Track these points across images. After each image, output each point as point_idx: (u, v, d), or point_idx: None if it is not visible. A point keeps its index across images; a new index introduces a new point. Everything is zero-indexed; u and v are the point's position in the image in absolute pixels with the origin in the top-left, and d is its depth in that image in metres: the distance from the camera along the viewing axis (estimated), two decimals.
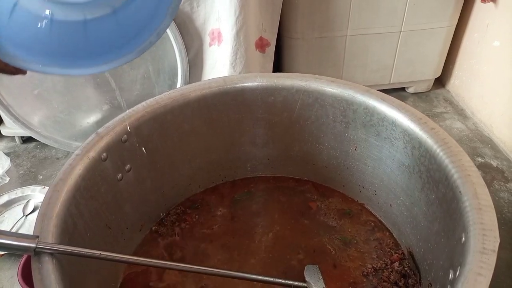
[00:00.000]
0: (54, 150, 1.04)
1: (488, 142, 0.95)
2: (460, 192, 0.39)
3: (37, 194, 0.85)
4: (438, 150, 0.44)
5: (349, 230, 0.62)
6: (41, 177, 0.97)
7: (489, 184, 0.85)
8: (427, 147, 0.46)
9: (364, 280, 0.54)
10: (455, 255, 0.38)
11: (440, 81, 1.12)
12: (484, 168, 0.88)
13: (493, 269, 0.32)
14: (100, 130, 0.51)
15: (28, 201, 0.86)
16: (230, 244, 0.61)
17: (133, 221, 0.58)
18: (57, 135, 1.00)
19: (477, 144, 0.95)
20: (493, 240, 0.34)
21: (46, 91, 0.91)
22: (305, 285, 0.50)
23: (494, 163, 0.90)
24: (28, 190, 0.87)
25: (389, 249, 0.58)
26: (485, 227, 0.35)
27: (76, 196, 0.45)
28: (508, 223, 0.77)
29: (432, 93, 1.10)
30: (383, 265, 0.55)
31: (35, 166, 1.00)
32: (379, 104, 0.52)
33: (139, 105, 0.55)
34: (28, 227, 0.81)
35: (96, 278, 0.49)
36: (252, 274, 0.49)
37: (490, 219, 0.35)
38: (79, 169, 0.46)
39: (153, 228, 0.63)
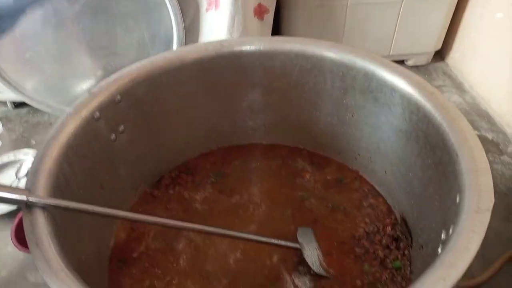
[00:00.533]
0: (47, 115, 1.02)
1: (485, 115, 0.95)
2: (457, 155, 0.39)
3: (30, 158, 0.84)
4: (436, 115, 0.44)
5: (343, 197, 0.62)
6: (34, 142, 0.96)
7: None
8: (425, 111, 0.46)
9: (356, 243, 0.55)
10: (448, 216, 0.38)
11: (440, 54, 1.11)
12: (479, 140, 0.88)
13: (486, 228, 0.32)
14: (93, 89, 0.50)
15: (21, 165, 0.85)
16: (222, 209, 0.61)
17: (127, 183, 0.58)
18: (50, 100, 0.99)
19: (474, 117, 0.95)
20: (488, 201, 0.34)
21: (37, 55, 0.89)
22: (298, 246, 0.51)
23: (490, 136, 0.90)
24: (21, 154, 0.86)
25: (382, 215, 0.58)
26: (481, 188, 0.35)
27: (68, 154, 0.44)
28: (500, 194, 0.78)
29: (431, 66, 1.09)
30: (375, 229, 0.55)
31: (28, 131, 0.99)
32: (379, 69, 0.51)
33: (133, 66, 0.54)
34: None
35: (90, 236, 0.49)
36: (247, 233, 0.50)
37: (486, 181, 0.35)
38: (71, 127, 0.46)
39: (148, 190, 0.63)
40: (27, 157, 0.87)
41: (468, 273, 0.66)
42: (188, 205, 0.62)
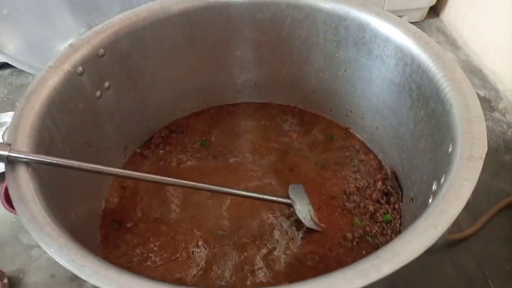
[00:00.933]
0: (31, 76, 0.99)
1: (478, 72, 0.94)
2: (450, 104, 0.38)
3: None
4: (431, 65, 0.43)
5: (333, 154, 0.61)
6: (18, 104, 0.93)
7: None
8: (420, 62, 0.44)
9: (347, 198, 0.55)
10: (440, 167, 0.38)
11: (434, 10, 1.08)
12: None
13: (478, 175, 0.32)
14: (74, 42, 0.48)
15: (6, 128, 0.83)
16: (213, 168, 0.60)
17: (115, 142, 0.57)
18: (33, 60, 0.95)
19: (467, 74, 0.93)
20: (481, 149, 0.33)
21: (16, 10, 0.84)
22: (289, 201, 0.51)
23: (482, 93, 0.89)
24: (6, 117, 0.84)
25: (373, 170, 0.58)
26: (474, 136, 0.34)
27: (51, 109, 0.43)
28: (490, 149, 0.78)
29: (426, 22, 1.06)
30: (366, 185, 0.56)
31: (12, 93, 0.96)
32: (373, 19, 0.49)
33: (116, 18, 0.51)
34: None
35: (80, 196, 0.48)
36: (240, 190, 0.50)
37: (480, 129, 0.35)
38: (53, 82, 0.44)
39: (137, 150, 0.62)
40: None
41: (456, 227, 0.68)
42: (179, 164, 0.61)
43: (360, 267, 0.27)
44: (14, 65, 0.96)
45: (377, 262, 0.27)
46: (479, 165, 0.32)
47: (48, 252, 0.29)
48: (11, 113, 0.88)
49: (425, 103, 0.45)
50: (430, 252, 0.34)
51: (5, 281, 0.61)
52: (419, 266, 0.63)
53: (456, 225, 0.68)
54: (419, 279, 0.62)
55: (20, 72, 1.00)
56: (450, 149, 0.36)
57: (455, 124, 0.37)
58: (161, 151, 0.63)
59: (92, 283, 0.27)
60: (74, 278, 0.65)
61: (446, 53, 0.43)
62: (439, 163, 0.39)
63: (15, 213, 0.70)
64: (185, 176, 0.59)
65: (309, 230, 0.52)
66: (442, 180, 0.34)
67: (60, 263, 0.28)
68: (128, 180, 0.58)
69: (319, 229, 0.52)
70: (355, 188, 0.56)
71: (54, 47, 0.91)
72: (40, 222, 0.31)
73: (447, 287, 0.61)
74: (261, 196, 0.50)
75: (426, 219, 0.30)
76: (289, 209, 0.53)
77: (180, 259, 0.50)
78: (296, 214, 0.51)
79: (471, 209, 0.69)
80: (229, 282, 0.48)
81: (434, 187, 0.39)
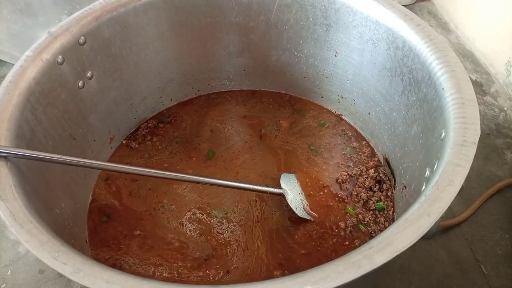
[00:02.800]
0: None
1: (469, 56, 0.93)
2: (443, 88, 0.38)
3: None
4: (423, 48, 0.42)
5: (325, 141, 0.60)
6: None
7: None
8: (411, 45, 0.43)
9: (339, 186, 0.54)
10: (433, 153, 0.37)
11: None
12: None
13: (471, 161, 0.31)
14: (52, 29, 0.46)
15: None
16: (203, 159, 0.59)
17: (100, 134, 0.55)
18: (14, 50, 0.92)
19: (458, 58, 0.93)
20: (474, 133, 0.33)
21: None
22: (281, 191, 0.50)
23: (474, 76, 0.89)
24: None
25: (365, 158, 0.58)
26: (467, 121, 0.34)
27: (30, 101, 0.41)
28: (482, 134, 0.78)
29: (417, 5, 1.05)
30: (359, 172, 0.55)
31: None
32: (363, 0, 0.48)
33: (97, 3, 0.49)
34: None
35: (64, 190, 0.47)
36: (230, 181, 0.48)
37: (473, 113, 0.34)
38: (31, 72, 0.42)
39: (124, 141, 0.61)
40: None
41: (449, 213, 0.68)
42: (167, 155, 0.60)
43: (353, 258, 0.26)
44: None
45: (369, 253, 0.26)
46: (472, 151, 0.31)
47: (29, 249, 0.28)
48: None
49: (417, 88, 0.44)
50: (424, 239, 0.34)
51: None
52: (413, 252, 0.63)
53: (449, 211, 0.68)
54: (412, 265, 0.62)
55: (2, 62, 0.97)
56: (443, 135, 0.35)
57: (447, 108, 0.36)
58: (148, 142, 0.61)
59: (76, 281, 0.26)
60: None
61: (438, 36, 0.41)
62: (432, 149, 0.38)
63: None
64: (174, 167, 0.58)
65: (301, 219, 0.51)
66: (435, 167, 0.33)
67: (43, 261, 0.27)
68: (115, 173, 0.57)
69: (312, 219, 0.51)
70: (348, 176, 0.55)
71: (35, 36, 0.88)
72: (20, 219, 0.30)
73: (440, 272, 0.61)
74: (252, 187, 0.49)
75: (419, 208, 0.29)
76: (281, 199, 0.52)
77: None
78: (288, 204, 0.50)
79: (463, 194, 0.69)
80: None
81: (427, 173, 0.38)
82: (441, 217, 0.31)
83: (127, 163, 0.58)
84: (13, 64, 0.97)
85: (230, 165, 0.58)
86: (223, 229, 0.51)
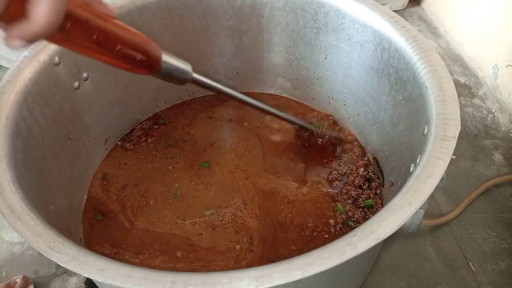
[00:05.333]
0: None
1: (458, 59, 0.95)
2: (426, 87, 0.39)
3: None
4: (408, 49, 0.43)
5: (317, 141, 0.62)
6: None
7: None
8: (397, 46, 0.45)
9: (330, 184, 0.55)
10: (417, 148, 0.38)
11: None
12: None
13: (451, 154, 0.32)
14: None
15: None
16: (196, 160, 0.60)
17: (96, 134, 0.56)
18: (11, 54, 0.93)
19: (448, 61, 0.95)
20: (454, 128, 0.34)
21: None
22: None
23: (462, 79, 0.91)
24: None
25: (355, 157, 0.59)
26: (448, 117, 0.35)
27: (27, 100, 0.42)
28: (470, 135, 0.80)
29: (407, 11, 1.07)
30: (349, 171, 0.56)
31: None
32: (351, 4, 0.49)
33: None
34: None
35: (59, 187, 0.48)
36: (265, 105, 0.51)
37: (453, 109, 0.35)
38: (29, 72, 0.43)
39: (119, 142, 0.62)
40: None
41: (438, 211, 0.69)
42: (162, 155, 0.61)
43: (337, 245, 0.27)
44: None
45: (353, 240, 0.28)
46: (452, 145, 0.33)
47: (25, 240, 0.29)
48: None
49: (402, 87, 0.45)
50: (409, 232, 0.35)
51: (31, 287, 0.61)
52: (402, 250, 0.65)
53: (438, 209, 0.69)
54: (402, 263, 0.63)
55: None
56: (425, 130, 0.37)
57: (430, 105, 0.37)
58: (142, 144, 0.62)
59: (71, 269, 0.27)
60: (58, 274, 0.64)
61: (422, 37, 0.43)
62: (416, 145, 0.39)
63: None
64: (168, 169, 0.59)
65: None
66: (417, 160, 0.35)
67: (38, 250, 0.28)
68: (112, 171, 0.58)
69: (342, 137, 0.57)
70: (338, 175, 0.56)
71: None
72: (17, 211, 0.31)
73: (429, 269, 0.62)
74: (283, 115, 0.53)
75: (401, 198, 0.30)
76: None
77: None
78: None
79: (452, 193, 0.70)
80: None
81: (411, 169, 0.39)
82: (424, 209, 0.33)
83: (123, 164, 0.59)
84: (8, 68, 0.98)
85: (228, 165, 0.59)
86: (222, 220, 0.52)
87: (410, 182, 0.32)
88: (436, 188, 0.30)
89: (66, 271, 0.64)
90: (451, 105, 0.36)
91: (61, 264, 0.27)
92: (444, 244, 0.65)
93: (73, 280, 0.63)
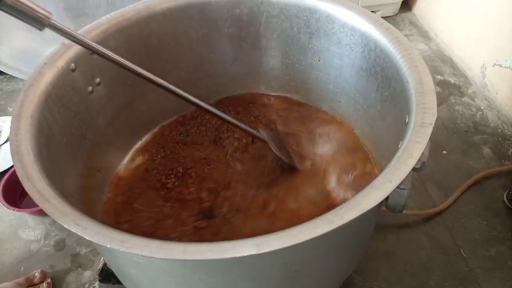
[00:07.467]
0: (22, 82, 1.02)
1: (448, 61, 1.00)
2: (408, 81, 0.43)
3: (8, 125, 0.86)
4: (391, 48, 0.48)
5: (314, 139, 0.66)
6: (10, 109, 0.97)
7: (446, 99, 0.90)
8: (382, 47, 0.49)
9: (327, 180, 0.59)
10: (399, 138, 0.42)
11: (407, 4, 1.14)
12: (442, 84, 0.94)
13: (428, 138, 0.36)
14: (65, 41, 0.52)
15: (0, 132, 0.86)
16: (199, 161, 0.64)
17: (108, 136, 0.60)
18: (23, 66, 0.98)
19: (438, 63, 0.99)
20: (431, 116, 0.38)
21: (5, 17, 0.87)
22: (265, 137, 0.57)
23: (452, 80, 0.95)
24: None
25: (351, 153, 0.63)
26: (426, 106, 0.39)
27: (48, 102, 0.46)
28: (460, 131, 0.84)
29: (399, 16, 1.12)
30: (344, 167, 0.60)
31: (3, 99, 0.99)
32: (340, 10, 0.54)
33: (103, 18, 0.55)
34: (3, 155, 0.83)
35: (79, 182, 0.52)
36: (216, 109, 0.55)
37: (431, 100, 0.40)
38: (48, 77, 0.48)
39: (135, 146, 0.66)
40: (5, 124, 0.88)
41: (431, 202, 0.73)
42: (174, 157, 0.65)
43: (326, 216, 0.31)
44: (4, 71, 0.99)
45: (340, 212, 0.32)
46: (429, 130, 0.37)
47: (55, 219, 0.33)
48: (4, 118, 0.91)
49: (388, 84, 0.49)
50: (396, 213, 0.39)
51: (49, 280, 0.65)
52: (397, 239, 0.68)
53: (431, 201, 0.73)
54: (397, 251, 0.67)
55: (10, 78, 1.03)
56: (407, 120, 0.41)
57: (411, 97, 0.42)
58: (155, 147, 0.66)
59: (95, 242, 0.31)
60: (74, 268, 0.68)
61: (403, 37, 0.47)
62: (400, 135, 0.43)
63: (14, 210, 0.73)
64: (180, 170, 0.63)
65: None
66: (399, 145, 0.39)
67: (66, 227, 0.32)
68: (127, 177, 0.62)
69: (298, 166, 0.57)
70: (335, 173, 0.60)
71: (43, 52, 0.94)
72: (46, 195, 0.35)
73: (423, 256, 0.66)
74: (237, 123, 0.55)
75: (383, 176, 0.34)
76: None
77: None
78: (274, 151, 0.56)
79: (443, 185, 0.74)
80: None
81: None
82: (408, 190, 0.36)
83: (136, 167, 0.63)
84: (21, 80, 1.03)
85: (221, 166, 0.63)
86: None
87: (392, 163, 0.36)
88: (420, 173, 0.34)
89: (80, 266, 0.68)
90: (428, 96, 0.40)
91: (87, 238, 0.31)
92: (437, 233, 0.69)
93: (87, 273, 0.67)
